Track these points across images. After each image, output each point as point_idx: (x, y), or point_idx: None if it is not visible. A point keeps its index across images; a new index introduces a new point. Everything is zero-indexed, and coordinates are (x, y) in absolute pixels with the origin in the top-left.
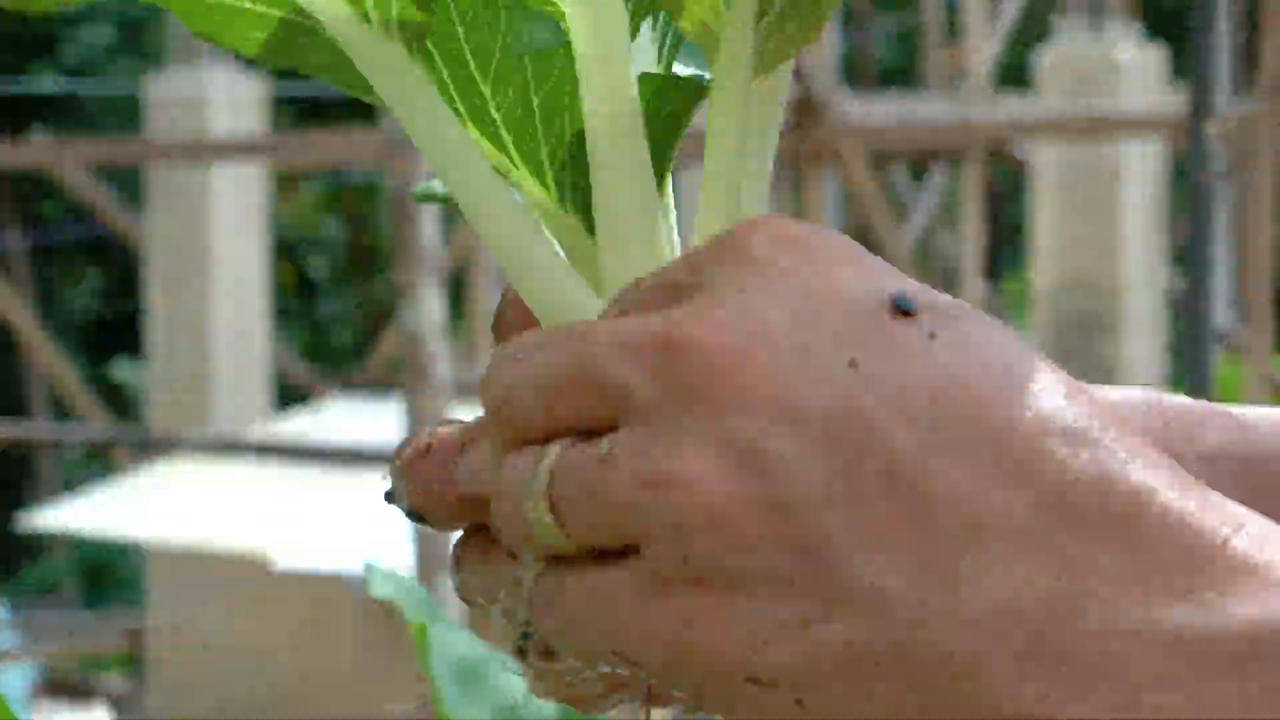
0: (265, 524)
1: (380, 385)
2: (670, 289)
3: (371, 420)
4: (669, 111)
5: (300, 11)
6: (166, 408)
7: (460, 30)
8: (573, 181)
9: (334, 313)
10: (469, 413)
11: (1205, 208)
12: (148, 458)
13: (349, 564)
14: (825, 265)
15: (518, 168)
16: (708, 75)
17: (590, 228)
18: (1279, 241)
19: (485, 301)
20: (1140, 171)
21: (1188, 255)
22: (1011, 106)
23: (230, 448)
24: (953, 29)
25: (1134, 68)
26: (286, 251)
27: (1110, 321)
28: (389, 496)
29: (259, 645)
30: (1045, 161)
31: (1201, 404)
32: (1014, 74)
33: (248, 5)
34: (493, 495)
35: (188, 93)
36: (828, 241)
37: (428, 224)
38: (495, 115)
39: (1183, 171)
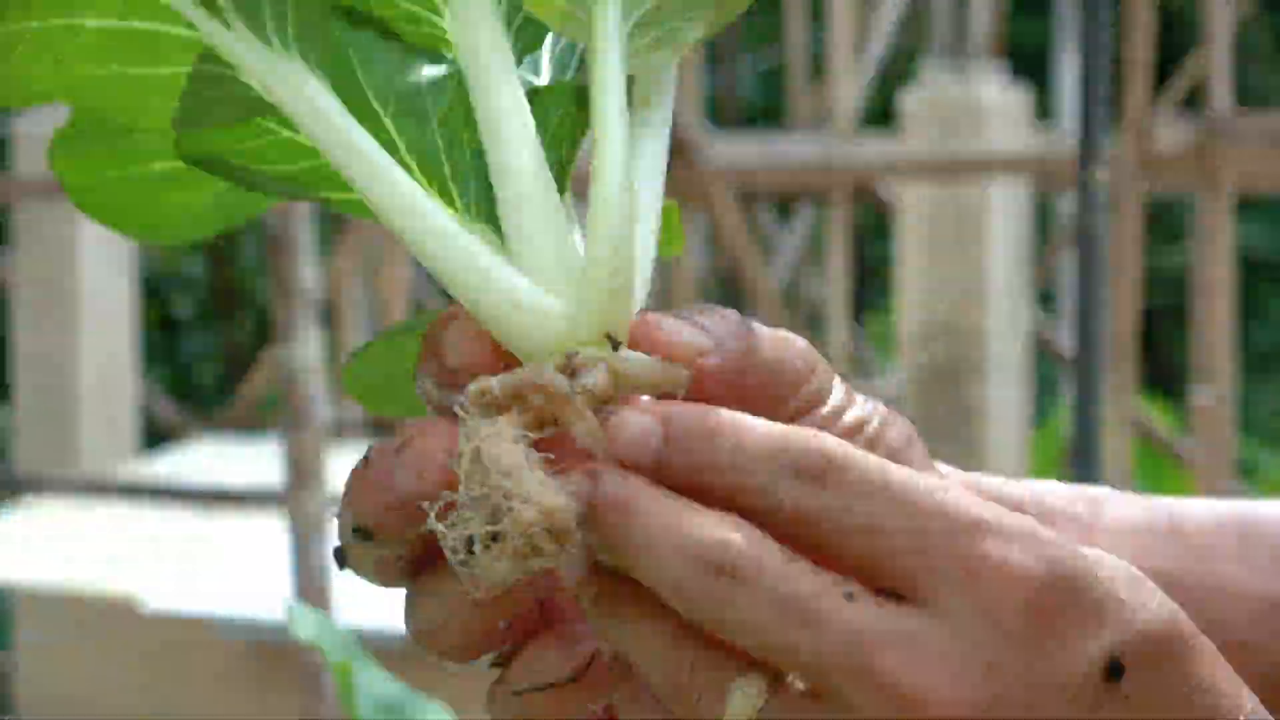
0: (134, 565)
1: (247, 426)
2: (902, 577)
3: (240, 461)
4: (558, 117)
5: (206, 58)
6: (32, 448)
7: (359, 74)
8: (478, 194)
9: (197, 351)
10: (348, 452)
11: (1093, 253)
12: (13, 498)
13: (219, 606)
14: (1063, 631)
15: (425, 189)
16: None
17: (500, 234)
18: (1141, 283)
19: (355, 340)
20: (1005, 212)
21: (1078, 304)
22: (877, 146)
23: (97, 488)
24: (818, 69)
25: (998, 108)
26: (149, 290)
27: (975, 364)
28: (338, 557)
29: (128, 687)
30: (911, 202)
31: (1114, 490)
32: (879, 114)
33: (161, 71)
34: (680, 682)
35: (53, 130)
36: (1071, 597)
37: (305, 263)
38: (399, 144)
39: (1046, 212)
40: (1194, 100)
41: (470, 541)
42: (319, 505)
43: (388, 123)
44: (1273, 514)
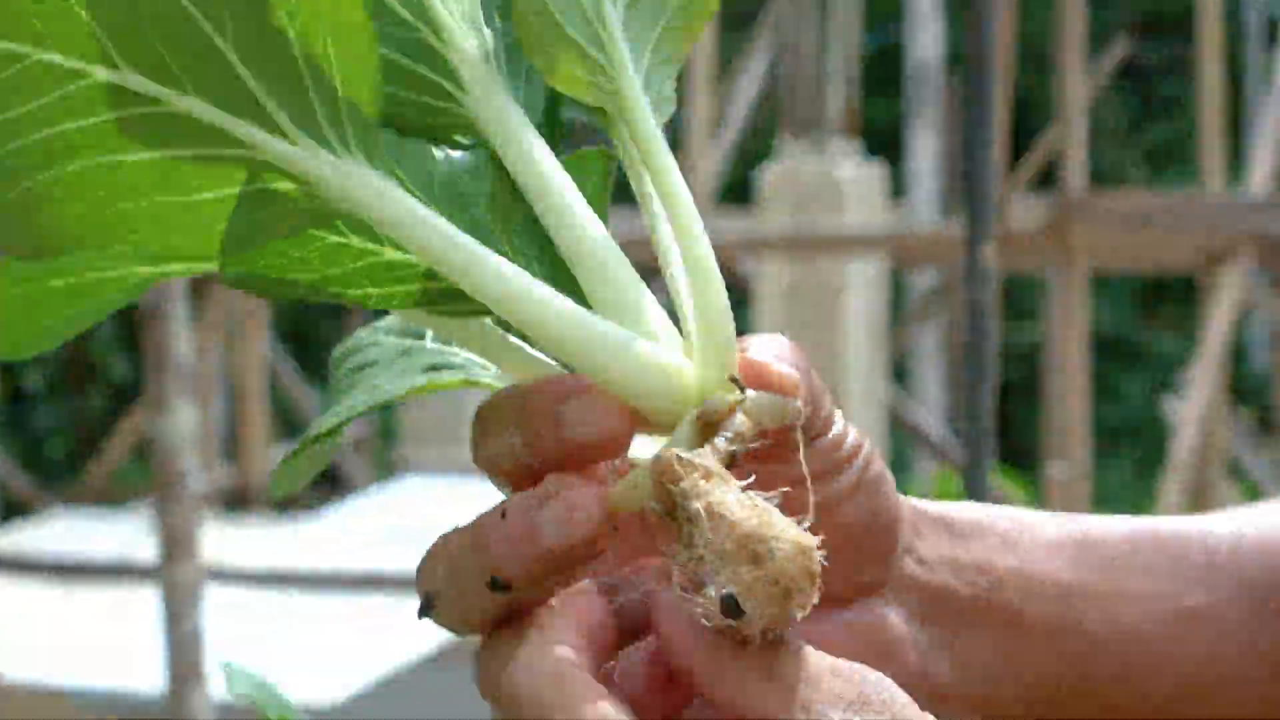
0: None
1: (102, 499)
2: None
3: (95, 534)
4: (592, 184)
5: (255, 179)
6: None
7: (398, 171)
8: (540, 263)
9: (48, 425)
10: (219, 525)
11: (981, 327)
12: None
13: (76, 678)
14: None
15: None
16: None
17: (559, 284)
18: (996, 358)
19: (215, 410)
20: (862, 287)
21: (965, 379)
22: (734, 223)
23: None
24: (675, 146)
25: (855, 185)
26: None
27: None
28: (426, 604)
29: None
30: (768, 277)
31: (1033, 511)
32: (736, 191)
33: (203, 196)
34: None
35: None
36: None
37: (180, 337)
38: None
39: (900, 287)
40: (1047, 178)
41: (732, 599)
42: (193, 576)
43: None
44: (1179, 529)
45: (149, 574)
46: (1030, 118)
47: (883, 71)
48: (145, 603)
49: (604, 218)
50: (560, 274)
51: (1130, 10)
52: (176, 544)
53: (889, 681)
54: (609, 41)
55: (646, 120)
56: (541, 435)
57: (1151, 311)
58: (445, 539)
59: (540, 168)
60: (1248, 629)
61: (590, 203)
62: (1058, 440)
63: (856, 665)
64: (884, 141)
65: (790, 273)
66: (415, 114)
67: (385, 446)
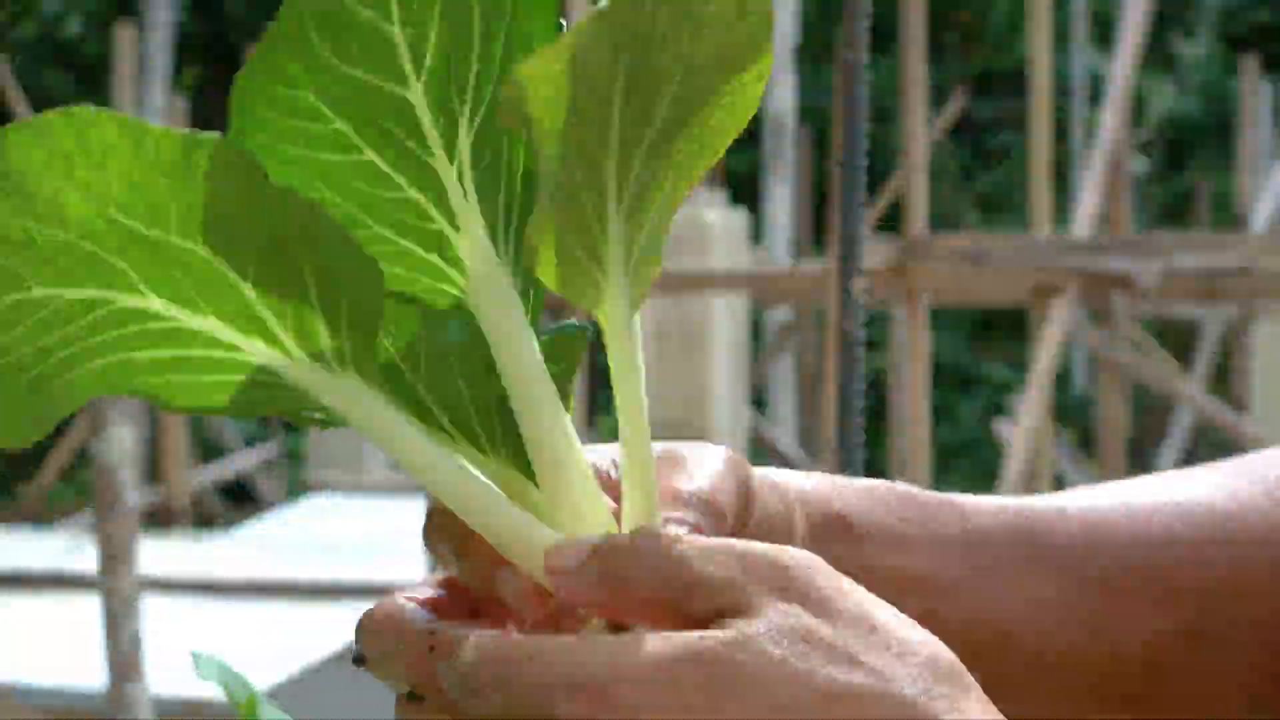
0: None
1: (34, 518)
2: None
3: (30, 550)
4: (561, 367)
5: (259, 373)
6: None
7: (389, 344)
8: (503, 438)
9: None
10: (144, 541)
11: (850, 360)
12: None
13: (22, 676)
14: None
15: (456, 441)
16: (578, 324)
17: (524, 471)
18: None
19: (136, 434)
20: (726, 323)
21: (838, 405)
22: None
23: None
24: None
25: (719, 229)
26: None
27: None
28: (359, 659)
29: None
30: (640, 315)
31: (933, 494)
32: None
33: (206, 379)
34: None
35: None
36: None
37: None
38: (429, 400)
39: (759, 323)
40: (890, 221)
41: None
42: (131, 585)
43: (420, 389)
44: (1045, 522)
45: (84, 584)
46: (874, 166)
47: None
48: (80, 610)
49: (568, 397)
50: (519, 456)
51: (964, 68)
52: (116, 555)
53: (814, 560)
54: (609, 259)
55: (623, 333)
56: (475, 580)
57: (985, 342)
58: (382, 620)
59: (523, 373)
60: (1090, 612)
61: (559, 385)
62: (899, 459)
63: (778, 548)
64: (745, 189)
65: (660, 310)
66: (417, 289)
67: (293, 468)
